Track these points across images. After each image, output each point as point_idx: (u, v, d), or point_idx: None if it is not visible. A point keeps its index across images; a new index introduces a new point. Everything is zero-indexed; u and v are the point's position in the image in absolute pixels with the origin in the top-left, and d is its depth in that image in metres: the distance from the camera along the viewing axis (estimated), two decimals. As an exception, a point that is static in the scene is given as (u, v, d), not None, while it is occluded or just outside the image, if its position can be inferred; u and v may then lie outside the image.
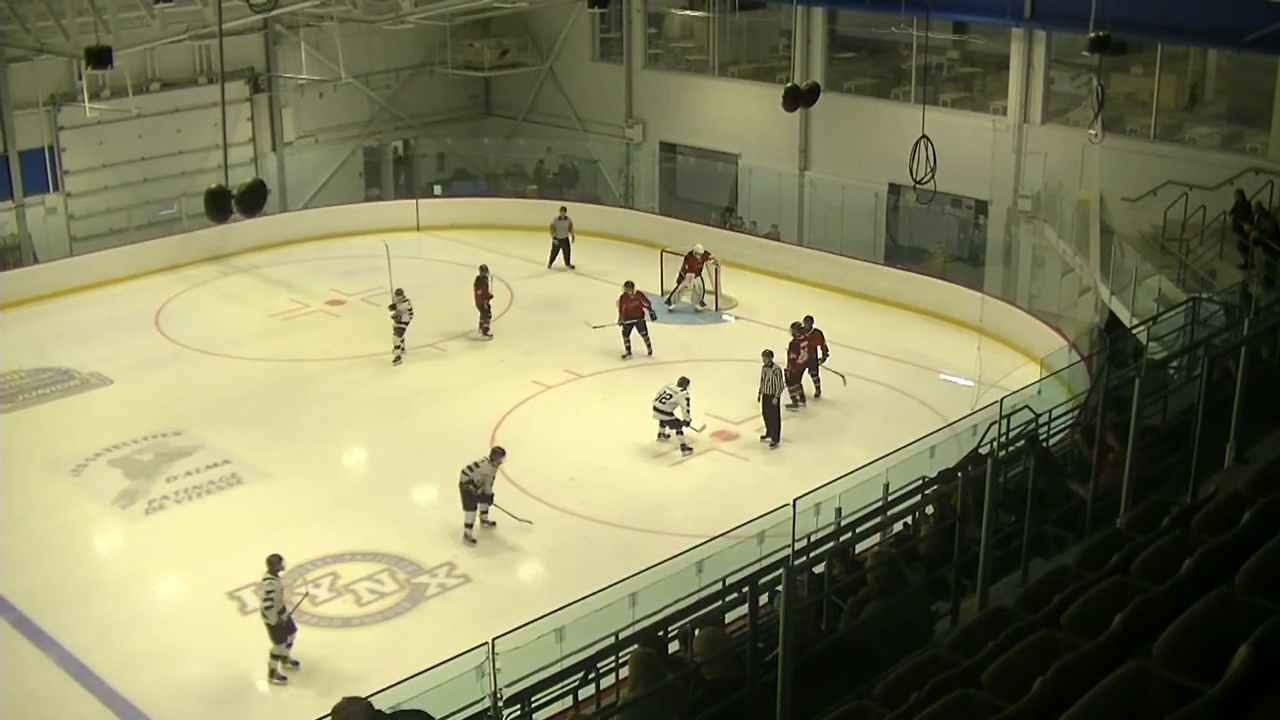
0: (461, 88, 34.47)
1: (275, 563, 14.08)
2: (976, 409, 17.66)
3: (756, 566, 11.77)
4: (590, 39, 32.85)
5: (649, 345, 22.81)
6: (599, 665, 9.65)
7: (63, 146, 27.82)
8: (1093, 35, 19.95)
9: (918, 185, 18.14)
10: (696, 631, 8.49)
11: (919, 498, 11.65)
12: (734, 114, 29.87)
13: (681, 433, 19.24)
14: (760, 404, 19.59)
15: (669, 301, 25.23)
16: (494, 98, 35.12)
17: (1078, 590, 6.35)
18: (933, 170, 18.00)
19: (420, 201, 31.57)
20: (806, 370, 20.76)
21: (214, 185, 13.54)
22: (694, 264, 25.49)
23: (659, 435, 19.47)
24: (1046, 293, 24.64)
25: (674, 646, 9.80)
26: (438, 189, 32.99)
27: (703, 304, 25.53)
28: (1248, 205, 19.98)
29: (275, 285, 27.26)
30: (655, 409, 19.25)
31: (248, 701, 14.08)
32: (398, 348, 22.70)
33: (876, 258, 27.21)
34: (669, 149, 31.60)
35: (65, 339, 23.92)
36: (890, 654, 6.82)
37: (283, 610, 13.97)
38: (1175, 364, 13.58)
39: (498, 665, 11.33)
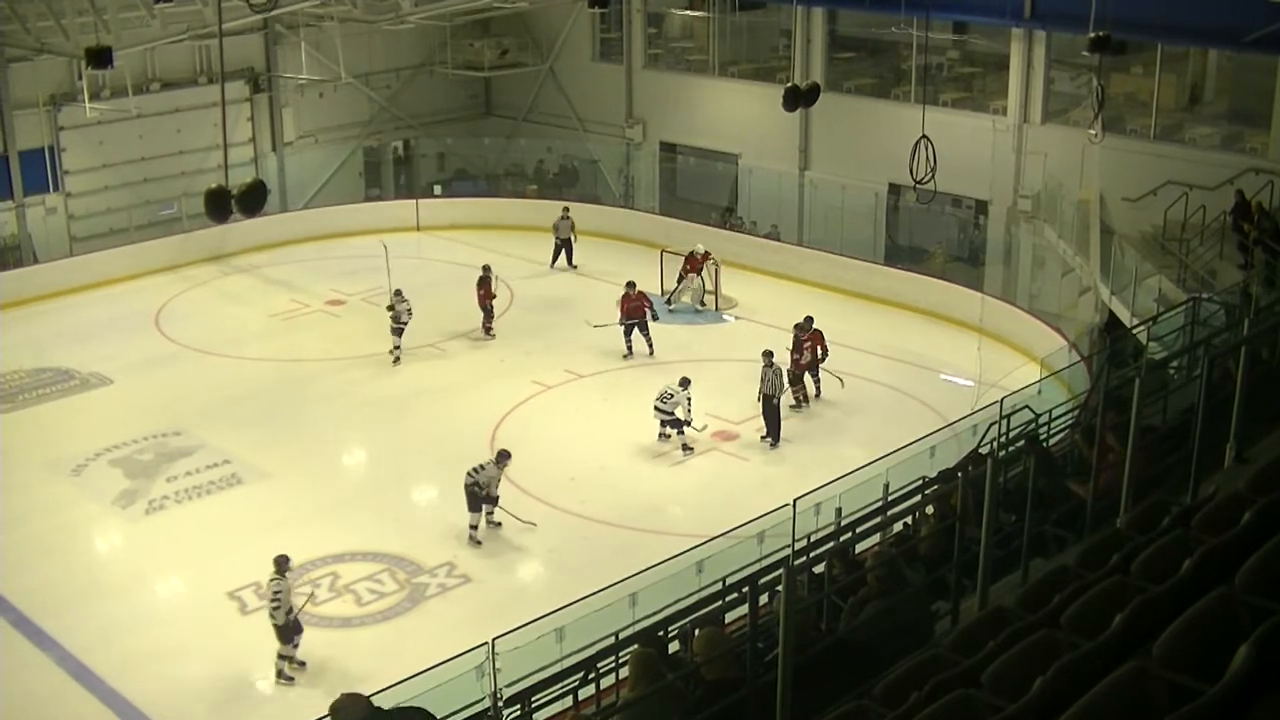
0: (461, 88, 34.47)
1: (282, 563, 14.08)
2: (976, 409, 17.66)
3: (756, 566, 11.77)
4: (590, 39, 32.85)
5: (650, 345, 22.81)
6: (599, 665, 9.65)
7: (63, 146, 27.82)
8: (1093, 35, 19.95)
9: (918, 185, 18.15)
10: (696, 631, 8.49)
11: (919, 498, 11.65)
12: (734, 114, 29.87)
13: (682, 432, 19.24)
14: (760, 404, 19.59)
15: (669, 301, 25.23)
16: (494, 98, 35.12)
17: (1078, 590, 6.34)
18: (933, 170, 18.00)
19: (420, 201, 31.57)
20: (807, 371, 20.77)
21: (214, 185, 13.53)
22: (694, 264, 25.49)
23: (659, 435, 19.47)
24: (1046, 293, 24.64)
25: (674, 646, 9.80)
26: (438, 189, 32.99)
27: (703, 304, 25.53)
28: (1248, 205, 19.98)
29: (275, 285, 27.26)
30: (656, 409, 19.25)
31: (248, 701, 14.08)
32: (396, 348, 22.70)
33: (876, 258, 27.21)
34: (669, 149, 31.60)
35: (65, 339, 23.92)
36: (890, 654, 6.81)
37: (290, 610, 13.96)
38: (1175, 364, 13.58)
39: (498, 665, 11.34)
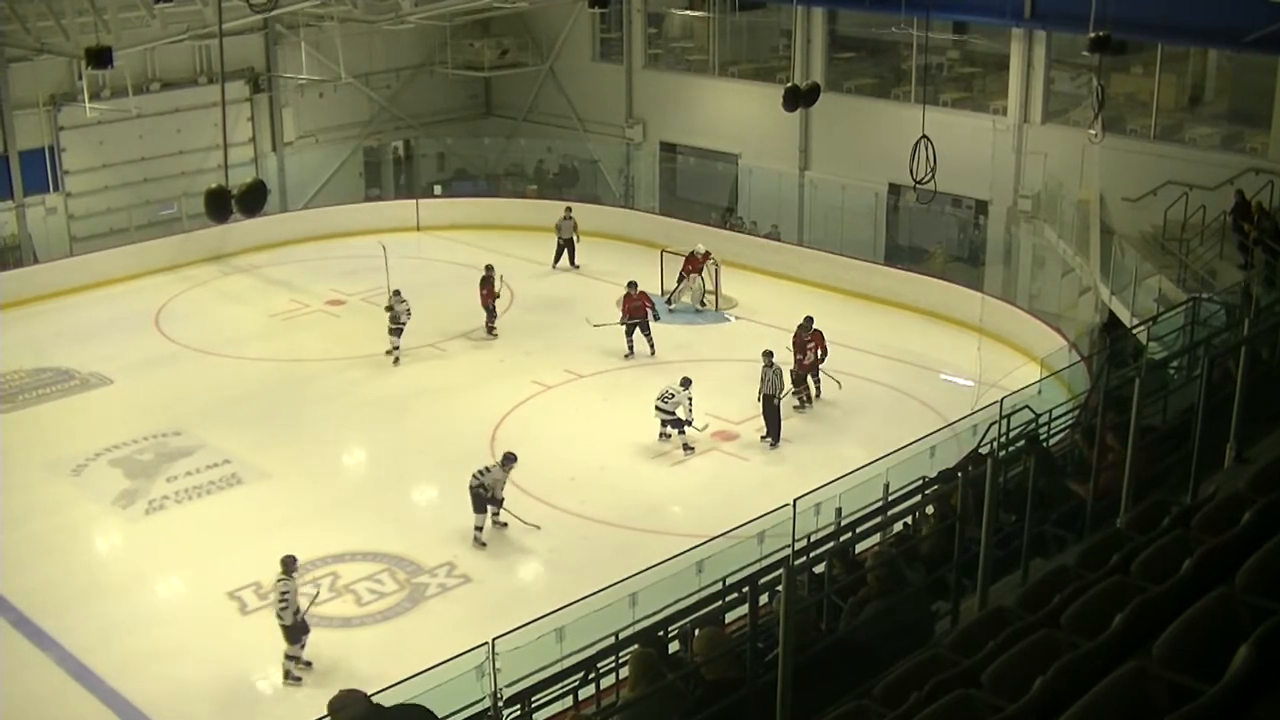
0: (461, 88, 34.47)
1: (289, 563, 14.07)
2: (976, 409, 17.66)
3: (756, 566, 11.76)
4: (590, 39, 32.85)
5: (652, 345, 22.81)
6: (599, 665, 9.65)
7: (63, 146, 27.82)
8: (1093, 35, 19.95)
9: (918, 185, 18.14)
10: (696, 631, 8.49)
11: (919, 498, 11.65)
12: (734, 114, 29.87)
13: (683, 432, 19.25)
14: (760, 404, 19.59)
15: (669, 301, 25.23)
16: (494, 98, 35.12)
17: (1078, 590, 6.34)
18: (933, 170, 18.00)
19: (420, 201, 31.57)
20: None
21: (214, 185, 13.54)
22: (695, 264, 25.50)
23: (660, 435, 19.47)
24: (1046, 293, 24.64)
25: (674, 646, 9.80)
26: (438, 189, 32.99)
27: (703, 304, 25.54)
28: (1248, 205, 19.98)
29: (275, 285, 27.26)
30: (657, 408, 19.26)
31: (248, 701, 14.08)
32: (395, 348, 22.69)
33: (876, 258, 27.21)
34: (669, 149, 31.60)
35: (65, 339, 23.92)
36: (890, 654, 6.81)
37: (297, 611, 13.95)
38: (1175, 364, 13.58)
39: (498, 665, 11.33)
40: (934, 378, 22.11)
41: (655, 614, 11.10)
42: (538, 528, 17.03)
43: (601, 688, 9.99)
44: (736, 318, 25.19)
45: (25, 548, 16.78)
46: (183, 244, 28.20)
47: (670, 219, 29.64)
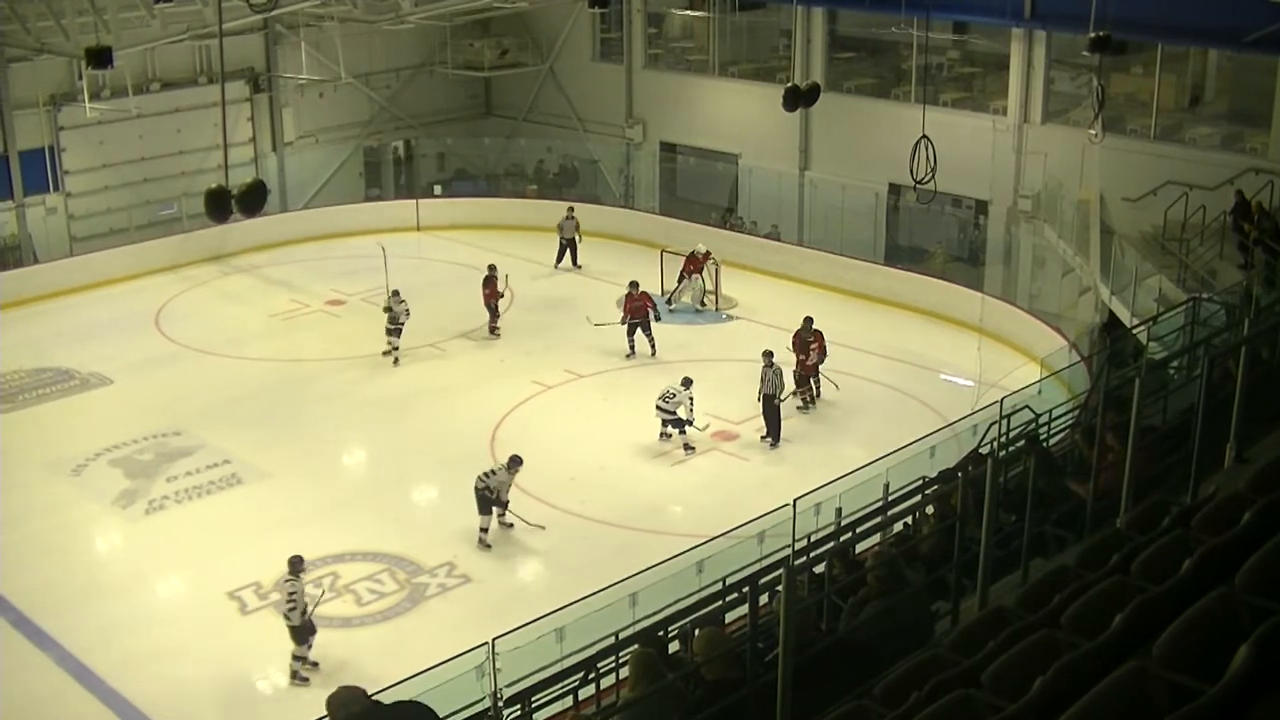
0: (461, 88, 34.46)
1: (297, 564, 14.07)
2: (976, 409, 17.66)
3: (756, 566, 11.77)
4: (590, 39, 32.85)
5: (653, 345, 22.81)
6: (599, 665, 9.64)
7: (63, 146, 27.82)
8: (1093, 35, 19.95)
9: (918, 185, 18.15)
10: (696, 631, 8.48)
11: (919, 498, 11.65)
12: (734, 114, 29.87)
13: (684, 432, 19.25)
14: (760, 404, 19.59)
15: (669, 301, 25.23)
16: (494, 98, 35.12)
17: (1078, 590, 6.34)
18: (933, 170, 18.00)
19: (420, 201, 31.57)
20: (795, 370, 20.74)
21: (214, 185, 13.54)
22: (696, 264, 25.50)
23: (661, 435, 19.47)
24: (1047, 293, 24.64)
25: (674, 646, 9.79)
26: (438, 189, 32.99)
27: (703, 304, 25.54)
28: (1248, 205, 19.98)
29: (275, 285, 27.26)
30: (658, 408, 19.26)
31: (248, 701, 14.09)
32: (395, 348, 22.67)
33: (876, 258, 27.21)
34: (669, 149, 31.60)
35: (65, 339, 23.92)
36: (890, 654, 6.81)
37: (305, 611, 13.94)
38: (1175, 364, 13.58)
39: (498, 665, 11.34)
40: (934, 378, 22.11)
41: (655, 614, 11.10)
42: (542, 528, 17.04)
43: (601, 688, 9.99)
44: (735, 317, 25.18)
45: (25, 548, 16.79)
46: (183, 244, 28.20)
47: (670, 219, 29.65)
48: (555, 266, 27.85)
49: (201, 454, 19.29)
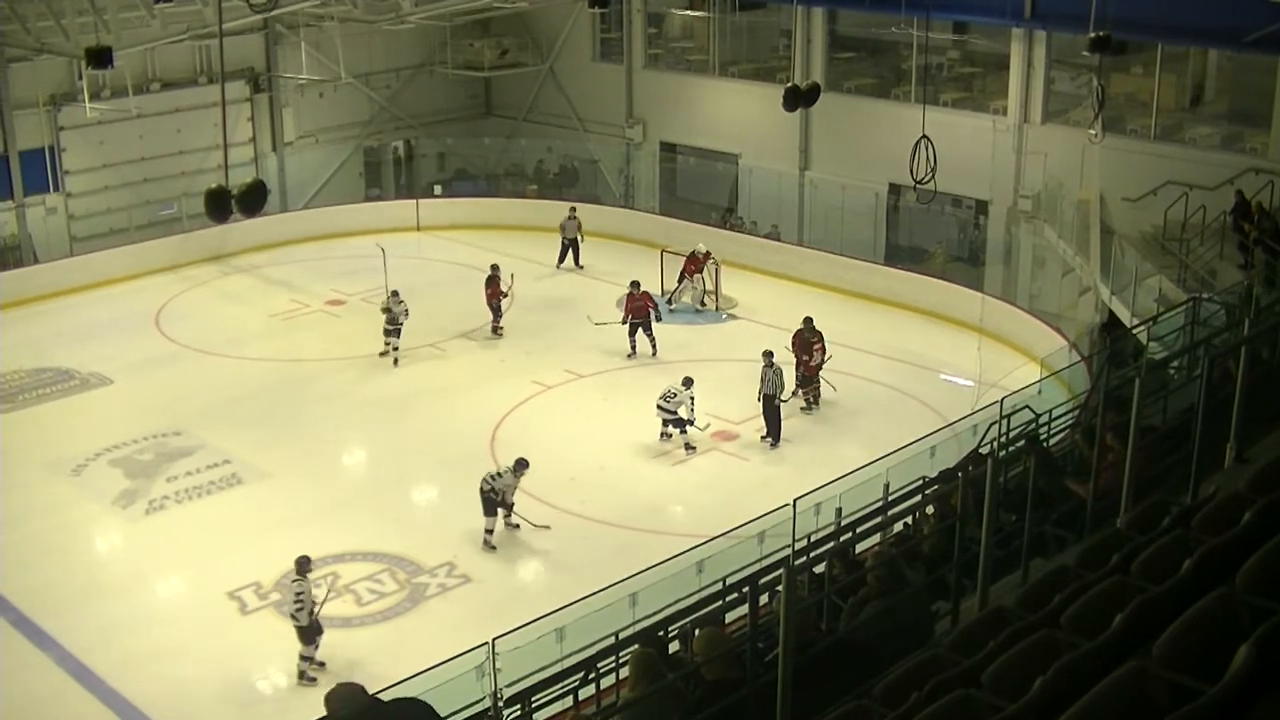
0: (461, 88, 34.46)
1: (304, 564, 14.06)
2: (977, 409, 17.66)
3: (756, 566, 11.76)
4: (590, 39, 32.85)
5: (654, 345, 22.82)
6: (599, 665, 9.63)
7: (63, 146, 27.82)
8: (1093, 35, 19.95)
9: (918, 185, 18.14)
10: (696, 631, 8.48)
11: (919, 498, 11.65)
12: (734, 114, 29.87)
13: (685, 431, 19.25)
14: (761, 404, 19.58)
15: (670, 301, 25.24)
16: (494, 98, 35.12)
17: (1078, 590, 6.34)
18: (933, 170, 18.00)
19: (420, 201, 31.57)
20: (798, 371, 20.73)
21: (214, 185, 13.54)
22: (696, 264, 25.50)
23: (661, 435, 19.47)
24: (1047, 293, 24.64)
25: (674, 646, 9.79)
26: (438, 189, 32.99)
27: (703, 304, 25.54)
28: (1248, 205, 19.98)
29: (275, 285, 27.26)
30: (659, 408, 19.26)
31: (248, 702, 14.08)
32: (394, 349, 22.65)
33: (876, 258, 27.21)
34: (669, 149, 31.60)
35: (65, 339, 23.92)
36: (890, 654, 6.81)
37: (312, 611, 13.94)
38: (1175, 364, 13.58)
39: (498, 665, 11.34)
40: (934, 378, 22.10)
41: (655, 614, 11.10)
42: (548, 528, 17.05)
43: (601, 688, 9.99)
44: (735, 316, 25.18)
45: (25, 548, 16.78)
46: (183, 244, 28.21)
47: (670, 219, 29.65)
48: (558, 266, 27.85)
49: (201, 454, 19.29)
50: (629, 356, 22.73)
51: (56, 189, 27.80)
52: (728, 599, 9.34)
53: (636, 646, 8.60)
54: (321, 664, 14.15)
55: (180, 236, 28.32)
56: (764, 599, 8.73)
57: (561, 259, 27.92)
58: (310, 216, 30.70)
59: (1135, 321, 18.96)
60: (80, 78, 26.43)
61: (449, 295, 25.67)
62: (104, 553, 17.47)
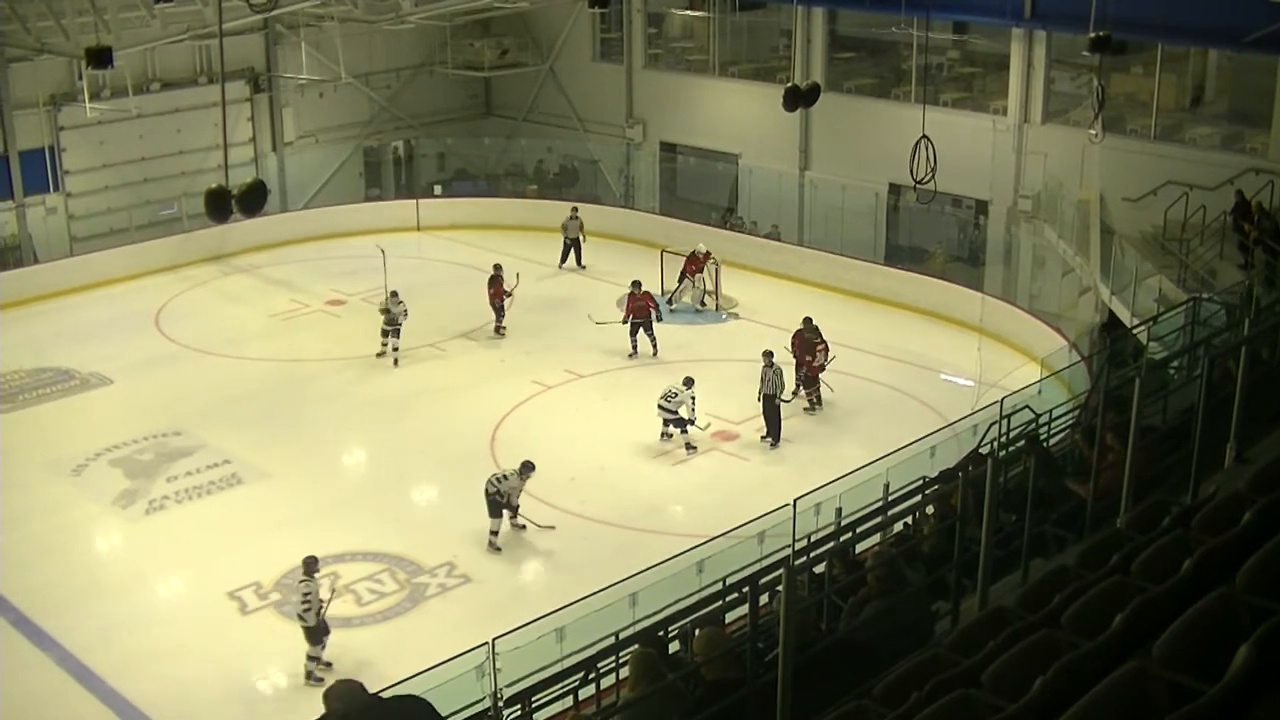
0: (462, 88, 34.46)
1: (311, 564, 14.06)
2: (977, 409, 17.66)
3: (757, 566, 11.77)
4: (590, 39, 32.84)
5: (655, 345, 22.82)
6: (599, 665, 9.64)
7: (63, 146, 27.82)
8: (1093, 35, 19.95)
9: (918, 185, 18.15)
10: (697, 631, 8.48)
11: (919, 498, 11.65)
12: (734, 114, 29.87)
13: (686, 431, 19.25)
14: (761, 404, 19.58)
15: (670, 301, 25.23)
16: (494, 98, 35.12)
17: (1078, 590, 6.34)
18: (933, 170, 18.00)
19: (420, 201, 31.56)
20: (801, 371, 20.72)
21: (214, 185, 13.54)
22: (696, 264, 25.50)
23: (662, 435, 19.47)
24: (1047, 293, 24.64)
25: (674, 646, 9.79)
26: (438, 189, 32.99)
27: (703, 304, 25.54)
28: (1248, 205, 19.98)
29: (275, 285, 27.26)
30: (660, 407, 19.27)
31: (248, 701, 14.08)
32: (394, 349, 22.62)
33: (876, 258, 27.21)
34: (669, 149, 31.60)
35: (65, 339, 23.92)
36: (890, 654, 6.81)
37: (319, 611, 13.93)
38: (1175, 364, 13.58)
39: (498, 665, 11.34)
40: (934, 378, 22.10)
41: (655, 614, 11.10)
42: (553, 528, 17.06)
43: (601, 688, 9.99)
44: (735, 316, 25.17)
45: (25, 548, 16.79)
46: (183, 244, 28.20)
47: (670, 219, 29.64)
48: (560, 266, 27.83)
49: (201, 454, 19.29)
50: (630, 356, 22.73)
51: (56, 189, 27.80)
52: (728, 599, 9.35)
53: (636, 646, 8.60)
54: (328, 664, 14.15)
55: (180, 236, 28.32)
56: (764, 599, 8.73)
57: (564, 259, 27.91)
58: (310, 216, 30.69)
59: (1135, 321, 18.96)
60: (80, 78, 26.43)
61: (449, 295, 25.67)
62: (104, 553, 17.47)
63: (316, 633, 13.98)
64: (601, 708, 9.22)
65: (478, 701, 10.39)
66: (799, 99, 20.02)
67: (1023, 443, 12.20)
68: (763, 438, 19.58)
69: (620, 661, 9.74)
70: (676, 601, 11.20)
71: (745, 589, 7.93)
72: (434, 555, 16.52)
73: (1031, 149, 25.13)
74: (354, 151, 32.82)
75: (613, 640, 10.38)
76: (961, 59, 28.93)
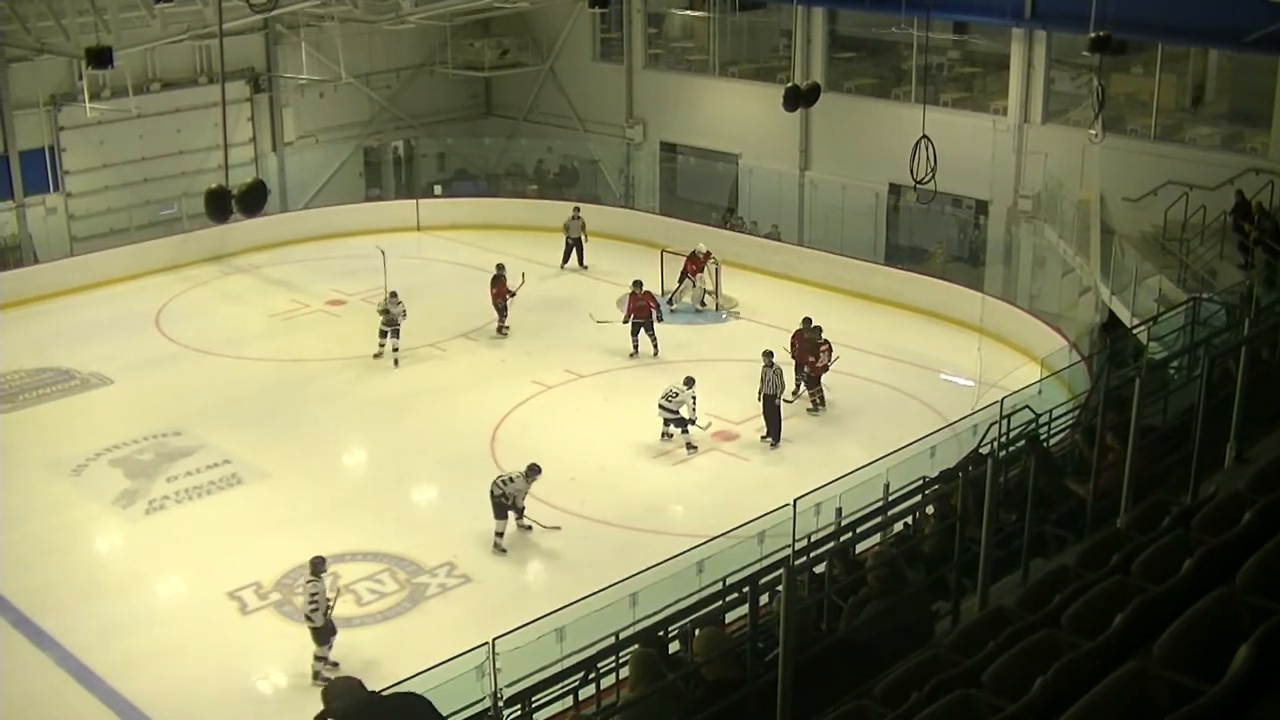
0: (462, 88, 34.46)
1: (319, 564, 14.05)
2: (977, 409, 17.66)
3: (757, 566, 11.76)
4: (590, 39, 32.85)
5: (655, 345, 22.82)
6: (599, 665, 9.64)
7: (63, 146, 27.82)
8: (1093, 35, 19.95)
9: (918, 185, 18.15)
10: (697, 631, 8.48)
11: (919, 498, 11.65)
12: (734, 114, 29.87)
13: (686, 431, 19.25)
14: (761, 404, 19.58)
15: (670, 301, 25.23)
16: (494, 98, 35.12)
17: (1078, 590, 6.34)
18: (933, 170, 18.00)
19: (420, 201, 31.56)
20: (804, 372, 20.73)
21: (214, 185, 13.54)
22: (696, 264, 25.50)
23: (663, 435, 19.47)
24: (1047, 293, 24.64)
25: (674, 646, 9.79)
26: (438, 189, 32.98)
27: (703, 304, 25.54)
28: (1248, 205, 19.99)
29: (275, 285, 27.26)
30: (661, 407, 19.27)
31: (248, 701, 14.07)
32: (395, 349, 22.60)
33: (877, 258, 27.21)
34: (669, 149, 31.60)
35: (65, 339, 23.92)
36: (890, 654, 6.81)
37: (327, 611, 13.93)
38: (1175, 364, 13.58)
39: (498, 665, 11.34)
40: (934, 378, 22.10)
41: (655, 614, 11.10)
42: (558, 529, 17.06)
43: (602, 688, 9.99)
44: (735, 315, 25.17)
45: (25, 548, 16.78)
46: (183, 244, 28.20)
47: (670, 219, 29.64)
48: (561, 267, 27.83)
49: (201, 454, 19.29)
50: (631, 356, 22.73)
51: (57, 189, 27.80)
52: (728, 599, 9.34)
53: (636, 646, 8.60)
54: (335, 664, 14.13)
55: (180, 236, 28.31)
56: (764, 599, 8.73)
57: (565, 259, 27.90)
58: (310, 216, 30.69)
59: (1135, 321, 18.96)
60: (80, 78, 26.42)
61: (449, 295, 25.67)
62: (104, 553, 17.47)
63: (324, 633, 13.98)
64: (601, 708, 9.22)
65: (478, 701, 10.39)
66: (799, 99, 20.02)
67: (1023, 443, 12.19)
68: (763, 438, 19.58)
69: (620, 661, 9.74)
70: (676, 601, 11.20)
71: (745, 589, 7.93)
72: (434, 555, 16.52)
73: (1031, 149, 25.13)
74: (354, 151, 32.81)
75: (613, 640, 10.38)
76: (961, 59, 28.93)
